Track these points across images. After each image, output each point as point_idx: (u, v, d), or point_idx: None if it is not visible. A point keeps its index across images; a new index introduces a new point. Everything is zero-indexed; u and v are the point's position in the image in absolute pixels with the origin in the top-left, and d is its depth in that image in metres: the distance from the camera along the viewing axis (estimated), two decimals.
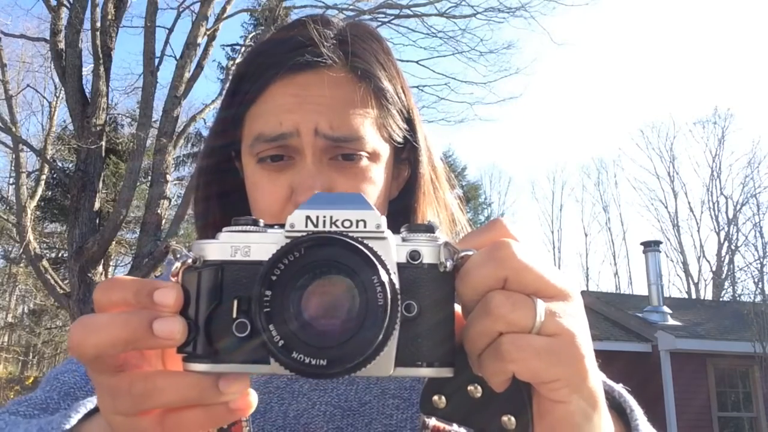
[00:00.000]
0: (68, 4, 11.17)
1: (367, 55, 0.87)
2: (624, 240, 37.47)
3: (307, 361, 0.47)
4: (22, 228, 11.95)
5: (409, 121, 0.91)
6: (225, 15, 12.69)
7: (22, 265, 22.14)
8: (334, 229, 0.51)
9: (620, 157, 49.70)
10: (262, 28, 13.99)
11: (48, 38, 11.71)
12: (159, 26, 11.59)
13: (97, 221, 10.99)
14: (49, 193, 21.56)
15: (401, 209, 0.93)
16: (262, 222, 0.53)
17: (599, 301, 15.68)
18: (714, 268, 31.10)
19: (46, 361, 25.77)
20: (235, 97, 0.88)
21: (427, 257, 0.52)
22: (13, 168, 17.31)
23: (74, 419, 0.64)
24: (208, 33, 11.86)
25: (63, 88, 11.83)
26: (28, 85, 18.59)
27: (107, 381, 0.50)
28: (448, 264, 0.51)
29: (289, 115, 0.82)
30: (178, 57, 11.42)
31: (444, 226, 0.96)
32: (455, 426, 0.68)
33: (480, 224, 0.68)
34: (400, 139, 0.89)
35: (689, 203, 33.97)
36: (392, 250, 0.51)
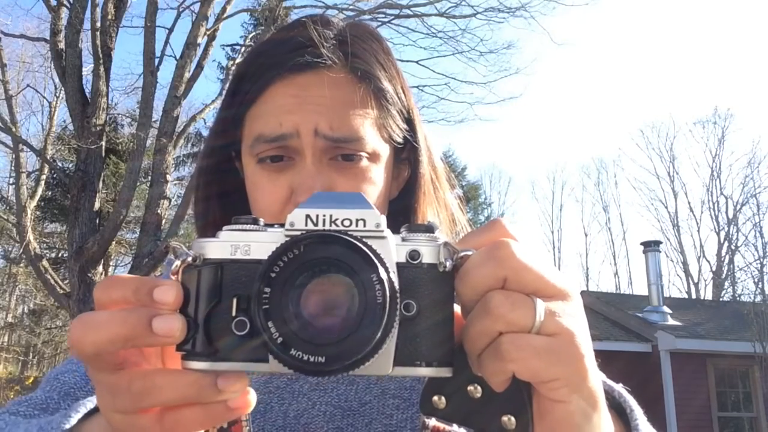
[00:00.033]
0: (68, 4, 11.17)
1: (367, 56, 0.87)
2: (624, 240, 37.52)
3: (305, 358, 0.47)
4: (22, 228, 11.96)
5: (409, 121, 0.91)
6: (225, 15, 12.69)
7: (22, 265, 22.15)
8: (333, 227, 0.51)
9: (620, 157, 49.78)
10: (262, 28, 13.99)
11: (48, 38, 11.71)
12: (159, 26, 11.61)
13: (97, 221, 10.99)
14: (49, 193, 21.56)
15: (401, 209, 0.93)
16: (262, 221, 0.53)
17: (599, 301, 15.68)
18: (714, 268, 31.12)
19: (46, 361, 25.77)
20: (236, 97, 0.88)
21: (427, 257, 0.52)
22: (13, 168, 17.33)
23: (74, 419, 0.64)
24: (208, 33, 11.86)
25: (63, 88, 11.83)
26: (28, 85, 18.63)
27: (106, 379, 0.50)
28: (448, 264, 0.51)
29: (289, 116, 0.82)
30: (178, 57, 11.43)
31: (444, 226, 0.96)
32: (455, 426, 0.68)
33: (480, 224, 0.68)
34: (400, 140, 0.89)
35: (689, 203, 34.02)
36: (392, 249, 0.51)
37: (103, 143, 11.11)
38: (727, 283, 29.93)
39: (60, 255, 21.58)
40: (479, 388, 0.55)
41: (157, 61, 11.32)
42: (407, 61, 14.11)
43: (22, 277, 24.85)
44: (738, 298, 23.23)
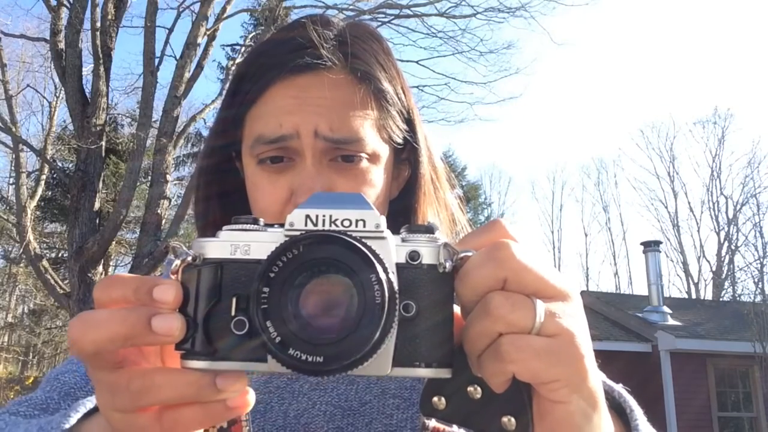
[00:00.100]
0: (68, 4, 11.18)
1: (367, 56, 0.87)
2: (624, 240, 37.52)
3: (303, 358, 0.47)
4: (22, 228, 11.96)
5: (409, 121, 0.91)
6: (225, 15, 12.70)
7: (22, 265, 22.15)
8: (333, 228, 0.51)
9: (620, 157, 49.78)
10: (262, 28, 13.99)
11: (48, 38, 11.72)
12: (159, 26, 11.62)
13: (97, 221, 10.99)
14: (49, 193, 21.57)
15: (401, 209, 0.93)
16: (262, 221, 0.53)
17: (599, 301, 15.69)
18: (714, 268, 31.13)
19: (46, 361, 25.78)
20: (236, 98, 0.88)
21: (427, 258, 0.52)
22: (13, 168, 17.33)
23: (74, 418, 0.64)
24: (208, 33, 11.86)
25: (63, 88, 11.84)
26: (28, 85, 18.64)
27: (106, 377, 0.51)
28: (448, 265, 0.51)
29: (289, 117, 0.82)
30: (178, 57, 11.43)
31: (444, 226, 0.96)
32: (455, 427, 0.68)
33: (480, 224, 0.68)
34: (400, 140, 0.89)
35: (689, 203, 34.04)
36: (391, 250, 0.51)
37: (103, 143, 11.12)
38: (727, 283, 29.93)
39: (60, 255, 21.58)
40: (479, 389, 0.54)
41: (157, 61, 11.33)
42: (407, 61, 14.14)
43: (22, 277, 24.86)
44: (738, 298, 23.24)
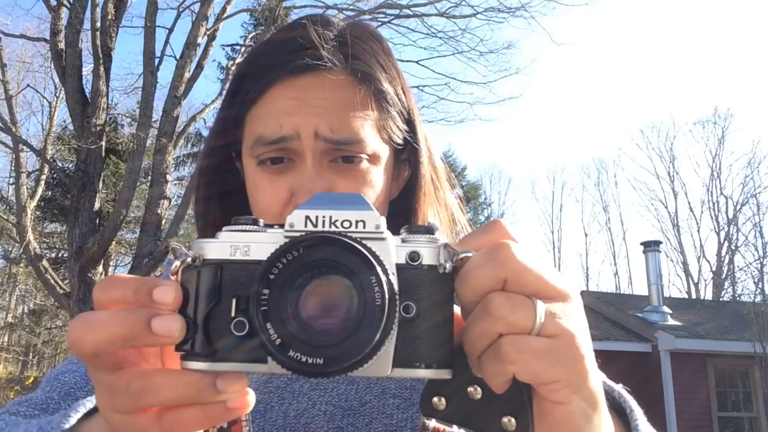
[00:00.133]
0: (68, 4, 11.17)
1: (367, 57, 0.87)
2: (624, 240, 37.52)
3: (303, 359, 0.47)
4: (22, 228, 11.96)
5: (410, 122, 0.91)
6: (225, 15, 12.69)
7: (22, 265, 22.15)
8: (333, 229, 0.51)
9: (620, 157, 49.82)
10: (262, 28, 13.98)
11: (48, 38, 11.72)
12: (159, 26, 11.61)
13: (97, 221, 10.99)
14: (49, 193, 21.57)
15: (402, 210, 0.93)
16: (261, 222, 0.53)
17: (599, 301, 15.69)
18: (714, 268, 31.13)
19: (46, 361, 25.79)
20: (236, 98, 0.88)
21: (427, 259, 0.52)
22: (13, 168, 17.33)
23: (74, 418, 0.64)
24: (208, 33, 11.86)
25: (63, 88, 11.84)
26: (28, 85, 18.64)
27: (106, 378, 0.51)
28: (448, 265, 0.51)
29: (290, 118, 0.82)
30: (178, 57, 11.43)
31: (444, 226, 0.96)
32: (455, 427, 0.68)
33: (480, 224, 0.68)
34: (400, 141, 0.89)
35: (689, 203, 34.03)
36: (391, 251, 0.51)
37: (103, 143, 11.12)
38: (727, 283, 29.94)
39: (60, 255, 21.58)
40: (479, 389, 0.54)
41: (157, 61, 11.32)
42: (407, 61, 14.13)
43: (22, 277, 24.86)
44: (738, 298, 23.25)
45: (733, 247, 30.34)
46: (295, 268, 0.48)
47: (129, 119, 20.15)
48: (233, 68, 14.69)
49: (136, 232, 15.55)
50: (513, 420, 0.54)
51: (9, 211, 18.07)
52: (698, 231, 34.39)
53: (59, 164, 18.66)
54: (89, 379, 0.71)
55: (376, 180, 0.85)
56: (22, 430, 0.69)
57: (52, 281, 10.90)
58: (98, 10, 11.32)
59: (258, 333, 0.47)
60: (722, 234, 31.09)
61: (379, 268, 0.48)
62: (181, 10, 12.88)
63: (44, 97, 20.10)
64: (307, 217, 0.51)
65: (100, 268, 10.53)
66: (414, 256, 0.52)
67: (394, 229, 0.53)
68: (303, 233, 0.50)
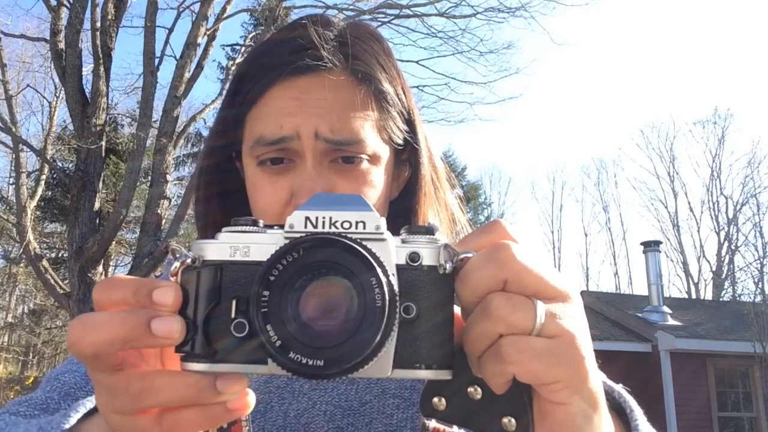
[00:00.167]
0: (68, 4, 11.17)
1: (367, 57, 0.87)
2: (624, 240, 37.52)
3: (304, 361, 0.47)
4: (22, 228, 11.96)
5: (410, 122, 0.91)
6: (225, 15, 12.69)
7: (22, 265, 22.15)
8: (333, 230, 0.51)
9: (620, 157, 49.82)
10: (262, 28, 13.98)
11: (48, 38, 11.72)
12: (159, 26, 11.61)
13: (97, 221, 10.99)
14: (49, 193, 21.57)
15: (402, 210, 0.93)
16: (261, 222, 0.53)
17: (599, 301, 15.68)
18: (714, 268, 31.13)
19: (46, 361, 25.79)
20: (236, 98, 0.88)
21: (427, 259, 0.52)
22: (13, 168, 17.33)
23: (74, 419, 0.64)
24: (208, 33, 11.86)
25: (63, 88, 11.84)
26: (28, 85, 18.64)
27: (105, 379, 0.51)
28: (448, 266, 0.51)
29: (290, 119, 0.82)
30: (178, 57, 11.43)
31: (444, 226, 0.96)
32: (455, 428, 0.68)
33: (480, 224, 0.68)
34: (400, 141, 0.89)
35: (689, 203, 34.04)
36: (391, 251, 0.51)
37: (103, 143, 11.12)
38: (727, 283, 29.94)
39: (60, 255, 21.58)
40: (479, 389, 0.54)
41: (157, 61, 11.32)
42: (407, 61, 14.13)
43: (22, 277, 24.86)
44: (738, 298, 23.25)
45: (733, 247, 30.36)
46: (296, 270, 0.48)
47: (129, 119, 20.15)
48: (233, 68, 14.69)
49: (136, 232, 15.55)
50: (513, 420, 0.54)
51: (9, 211, 18.07)
52: (698, 231, 34.44)
53: (59, 164, 18.66)
54: (89, 379, 0.71)
55: (377, 180, 0.85)
56: (22, 430, 0.69)
57: (52, 281, 10.90)
58: (98, 10, 11.32)
59: (258, 334, 0.47)
60: (722, 234, 31.12)
61: (379, 269, 0.48)
62: (181, 10, 12.89)
63: (44, 97, 20.13)
64: (307, 218, 0.51)
65: (100, 268, 10.54)
66: (414, 256, 0.52)
67: (395, 229, 0.53)
68: (303, 234, 0.50)
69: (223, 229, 0.53)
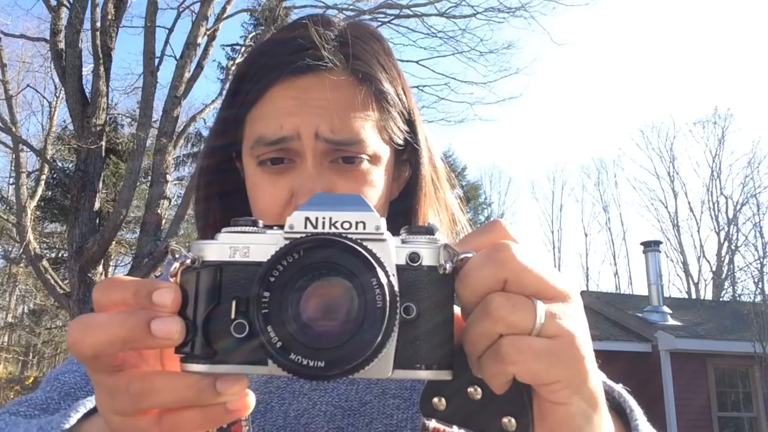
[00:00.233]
0: (68, 4, 11.17)
1: (368, 57, 0.87)
2: (624, 240, 37.53)
3: (304, 362, 0.47)
4: (22, 228, 11.96)
5: (410, 122, 0.91)
6: (225, 15, 12.69)
7: (22, 265, 22.15)
8: (333, 230, 0.51)
9: (620, 157, 49.79)
10: (262, 28, 13.97)
11: (48, 38, 11.72)
12: (159, 26, 11.61)
13: (97, 221, 10.99)
14: (49, 193, 21.57)
15: (402, 210, 0.93)
16: (261, 223, 0.53)
17: (599, 301, 15.68)
18: (714, 268, 31.13)
19: (46, 361, 25.79)
20: (236, 98, 0.88)
21: (427, 259, 0.52)
22: (13, 168, 17.33)
23: (74, 419, 0.64)
24: (208, 33, 11.86)
25: (63, 88, 11.84)
26: (28, 85, 18.64)
27: (105, 380, 0.51)
28: (448, 266, 0.51)
29: (290, 119, 0.82)
30: (178, 57, 11.43)
31: (444, 226, 0.96)
32: (455, 428, 0.68)
33: (480, 224, 0.68)
34: (400, 141, 0.89)
35: (689, 203, 34.04)
36: (392, 252, 0.51)
37: (103, 143, 11.12)
38: (727, 283, 29.94)
39: (60, 255, 21.58)
40: (479, 389, 0.54)
41: (157, 61, 11.32)
42: (407, 61, 14.13)
43: (22, 277, 24.86)
44: (738, 298, 23.26)
45: (733, 247, 30.37)
46: (296, 270, 0.48)
47: (129, 119, 20.15)
48: (233, 68, 14.69)
49: (136, 232, 15.54)
50: (513, 420, 0.54)
51: (9, 211, 18.07)
52: (698, 231, 34.46)
53: (59, 164, 18.66)
54: (89, 379, 0.71)
55: (377, 180, 0.85)
56: (22, 430, 0.69)
57: (52, 281, 10.90)
58: (98, 10, 11.32)
59: (259, 335, 0.47)
60: (722, 234, 31.13)
61: (379, 270, 0.48)
62: (181, 10, 12.88)
63: (44, 97, 20.13)
64: (307, 219, 0.51)
65: (100, 268, 10.54)
66: (414, 257, 0.52)
67: (395, 229, 0.53)
68: (303, 235, 0.49)
69: (223, 230, 0.53)
